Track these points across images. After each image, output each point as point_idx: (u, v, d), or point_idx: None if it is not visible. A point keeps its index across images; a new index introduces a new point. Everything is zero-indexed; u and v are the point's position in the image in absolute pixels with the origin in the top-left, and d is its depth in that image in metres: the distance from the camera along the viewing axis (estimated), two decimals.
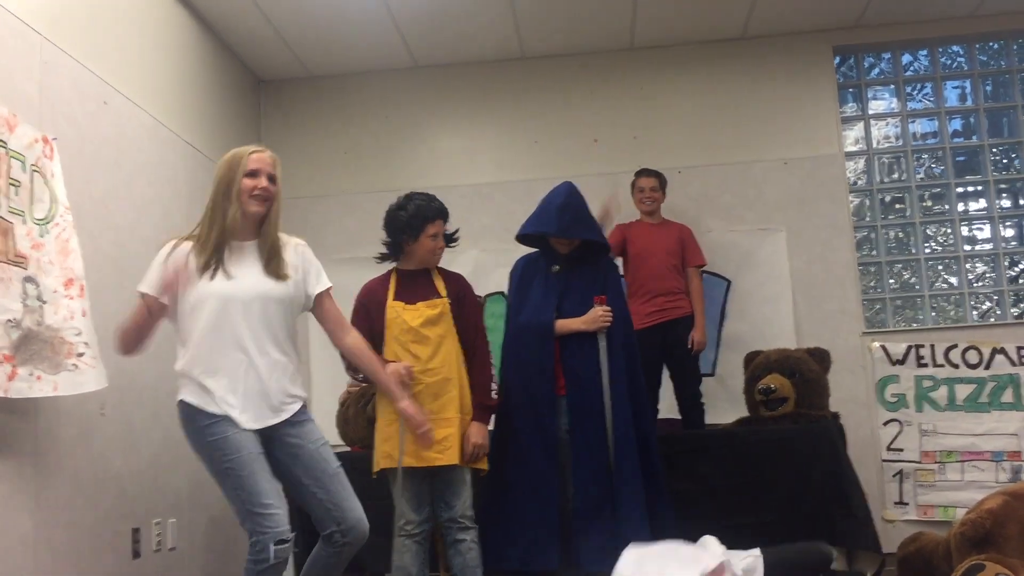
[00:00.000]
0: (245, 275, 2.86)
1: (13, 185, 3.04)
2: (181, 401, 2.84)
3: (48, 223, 3.19)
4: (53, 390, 3.09)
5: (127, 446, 3.81)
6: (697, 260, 4.85)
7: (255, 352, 2.82)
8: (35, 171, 3.16)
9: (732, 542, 3.49)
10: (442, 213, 3.50)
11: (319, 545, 2.91)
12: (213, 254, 2.84)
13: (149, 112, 4.25)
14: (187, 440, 2.88)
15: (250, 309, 2.83)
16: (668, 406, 4.65)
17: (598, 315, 3.53)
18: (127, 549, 3.76)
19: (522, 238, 3.77)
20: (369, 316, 3.48)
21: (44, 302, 3.10)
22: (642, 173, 4.98)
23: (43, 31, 3.43)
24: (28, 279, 3.05)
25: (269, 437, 2.85)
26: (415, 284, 3.50)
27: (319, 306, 3.05)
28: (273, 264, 2.90)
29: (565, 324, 3.56)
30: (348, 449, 4.26)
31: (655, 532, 3.42)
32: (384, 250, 3.58)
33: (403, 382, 3.27)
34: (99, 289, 3.62)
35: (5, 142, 3.03)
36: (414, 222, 3.46)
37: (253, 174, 2.88)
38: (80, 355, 3.21)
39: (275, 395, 2.85)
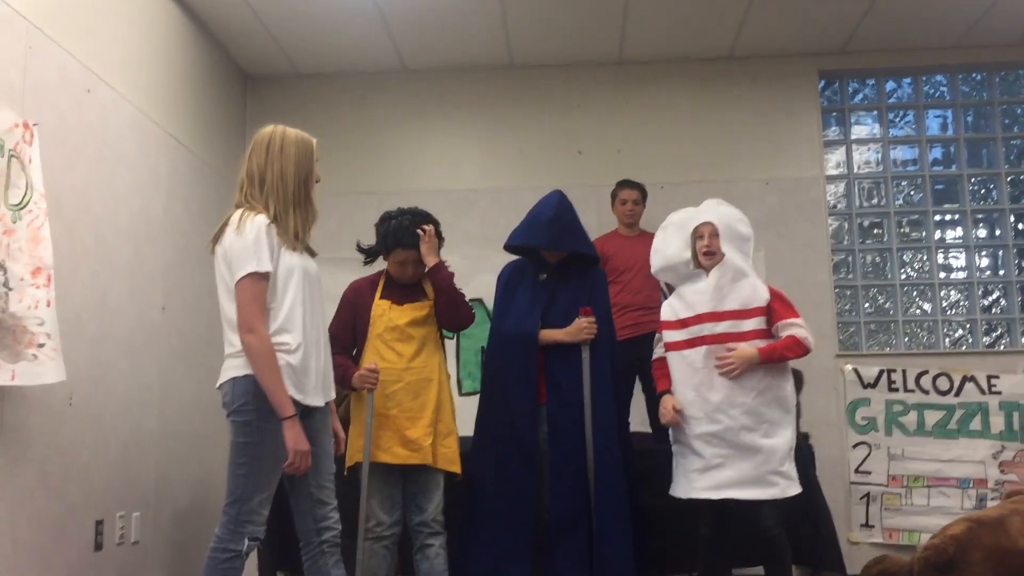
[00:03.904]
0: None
1: None
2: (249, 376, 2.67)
3: (22, 209, 3.14)
4: (10, 379, 3.02)
5: (96, 438, 3.77)
6: None
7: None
8: (13, 156, 3.12)
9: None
10: (416, 246, 3.45)
11: (307, 563, 2.84)
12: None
13: (133, 102, 4.22)
14: (236, 411, 2.68)
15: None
16: (639, 419, 4.65)
17: (582, 327, 3.49)
18: (90, 541, 3.72)
19: (510, 248, 3.73)
20: (353, 311, 3.52)
21: (10, 289, 3.04)
22: (624, 184, 4.95)
23: (29, 16, 3.41)
24: None
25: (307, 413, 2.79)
26: (404, 286, 3.54)
27: None
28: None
29: (549, 335, 3.53)
30: None
31: (635, 546, 3.42)
32: (371, 247, 3.59)
33: (368, 383, 3.31)
34: (75, 278, 3.59)
35: None
36: (386, 241, 3.50)
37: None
38: (40, 346, 3.14)
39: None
